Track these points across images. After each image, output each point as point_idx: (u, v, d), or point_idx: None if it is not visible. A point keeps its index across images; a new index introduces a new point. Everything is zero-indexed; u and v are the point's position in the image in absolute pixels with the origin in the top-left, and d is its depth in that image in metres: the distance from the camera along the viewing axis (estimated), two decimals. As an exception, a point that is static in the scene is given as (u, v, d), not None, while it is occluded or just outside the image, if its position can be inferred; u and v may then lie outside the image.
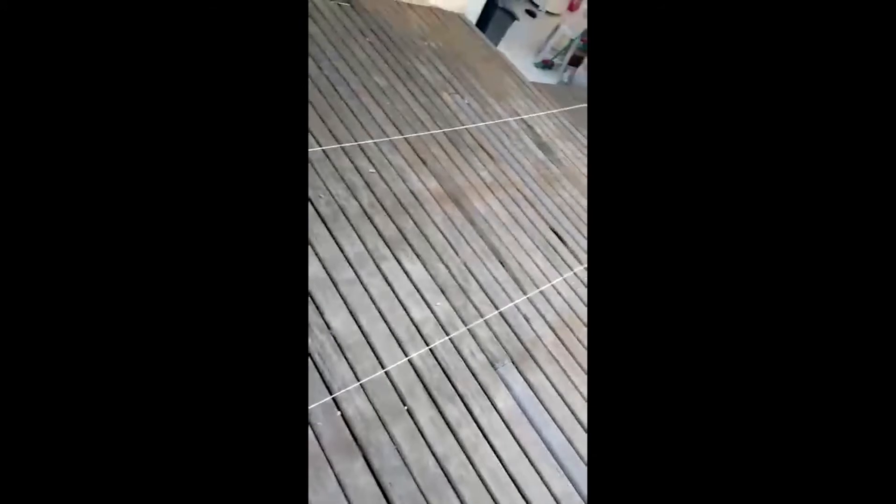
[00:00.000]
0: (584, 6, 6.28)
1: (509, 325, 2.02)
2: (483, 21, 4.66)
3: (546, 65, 6.02)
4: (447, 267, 2.09)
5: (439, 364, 1.73)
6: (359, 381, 1.56)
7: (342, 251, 1.90)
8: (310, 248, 1.85)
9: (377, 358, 1.65)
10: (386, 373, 1.62)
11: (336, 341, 1.62)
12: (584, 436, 1.82)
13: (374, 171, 2.30)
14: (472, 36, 4.08)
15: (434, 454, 1.50)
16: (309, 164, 2.14)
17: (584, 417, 1.87)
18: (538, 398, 1.83)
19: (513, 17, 5.10)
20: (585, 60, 5.75)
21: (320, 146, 2.23)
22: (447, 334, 1.83)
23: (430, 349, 1.76)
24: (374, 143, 2.43)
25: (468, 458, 1.55)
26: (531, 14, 7.18)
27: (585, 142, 3.62)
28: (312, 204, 2.00)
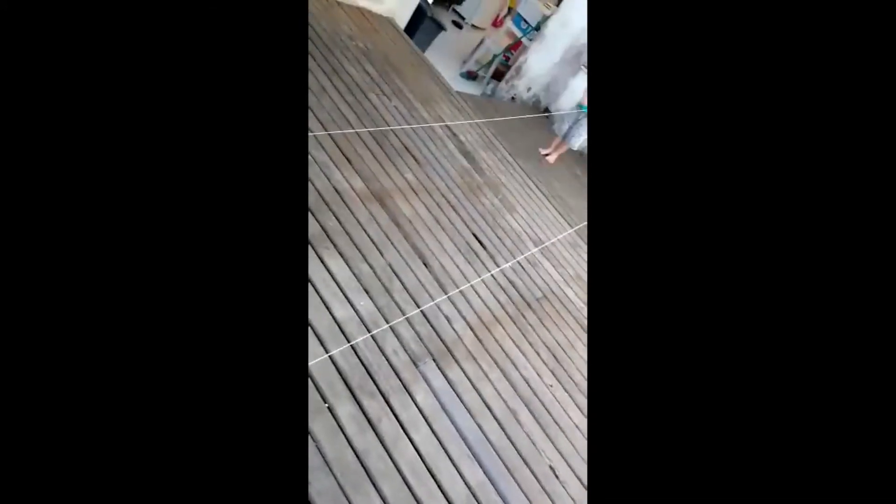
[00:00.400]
0: (507, 24, 6.61)
1: (431, 325, 2.08)
2: (411, 28, 4.73)
3: (471, 76, 6.24)
4: (371, 266, 2.10)
5: (361, 362, 1.75)
6: (278, 378, 1.53)
7: (263, 247, 1.85)
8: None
9: (297, 355, 1.62)
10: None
11: (254, 338, 1.58)
12: (493, 422, 1.93)
13: (298, 166, 2.26)
14: (400, 41, 4.13)
15: (354, 450, 1.51)
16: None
17: (493, 404, 1.97)
18: (455, 392, 1.91)
19: (440, 27, 5.23)
20: (507, 75, 6.04)
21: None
22: (370, 333, 1.85)
23: (352, 346, 1.76)
24: (299, 138, 2.38)
25: (388, 452, 1.58)
26: (458, 26, 7.40)
27: (505, 153, 3.82)
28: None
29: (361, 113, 2.89)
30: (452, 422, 1.81)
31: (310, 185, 2.22)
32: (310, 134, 2.45)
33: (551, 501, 1.85)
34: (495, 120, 3.96)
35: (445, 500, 1.59)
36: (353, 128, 2.71)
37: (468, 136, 3.61)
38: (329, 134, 2.55)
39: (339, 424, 1.54)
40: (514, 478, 1.81)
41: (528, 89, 6.11)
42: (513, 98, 6.10)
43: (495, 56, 6.20)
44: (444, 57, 5.72)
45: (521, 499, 1.78)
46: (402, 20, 4.49)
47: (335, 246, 2.06)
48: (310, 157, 2.35)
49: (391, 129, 2.95)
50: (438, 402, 1.83)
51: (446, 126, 3.47)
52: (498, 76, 6.23)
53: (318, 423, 1.50)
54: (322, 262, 1.96)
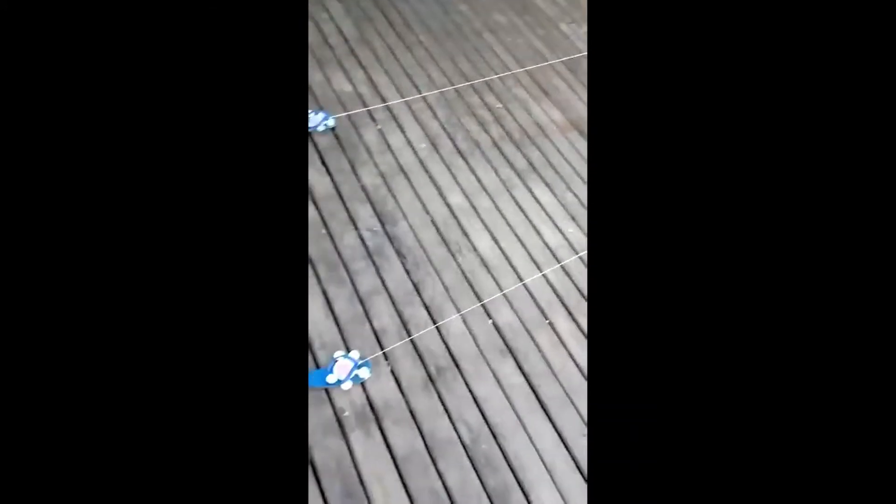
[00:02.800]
0: None
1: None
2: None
3: None
4: (575, 195, 2.15)
5: (572, 282, 1.85)
6: (502, 291, 1.74)
7: (479, 182, 2.05)
8: (452, 178, 2.04)
9: (517, 274, 1.81)
10: (524, 286, 1.78)
11: (483, 260, 1.81)
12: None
13: (500, 105, 2.39)
14: (585, -41, 3.84)
15: (576, 363, 1.65)
16: (445, 101, 2.31)
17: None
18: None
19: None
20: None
21: (453, 85, 2.36)
22: (578, 255, 1.93)
23: (562, 267, 1.87)
24: (499, 77, 2.50)
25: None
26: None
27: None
28: (451, 139, 2.17)
29: (553, 44, 2.85)
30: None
31: (514, 122, 2.34)
32: (508, 72, 2.54)
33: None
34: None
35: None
36: (546, 60, 2.71)
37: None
38: (526, 70, 2.60)
39: (560, 339, 1.69)
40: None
41: None
42: None
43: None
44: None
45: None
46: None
47: (541, 178, 2.16)
48: (511, 94, 2.46)
49: (583, 56, 2.85)
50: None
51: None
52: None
53: (541, 337, 1.67)
54: (531, 192, 2.08)
